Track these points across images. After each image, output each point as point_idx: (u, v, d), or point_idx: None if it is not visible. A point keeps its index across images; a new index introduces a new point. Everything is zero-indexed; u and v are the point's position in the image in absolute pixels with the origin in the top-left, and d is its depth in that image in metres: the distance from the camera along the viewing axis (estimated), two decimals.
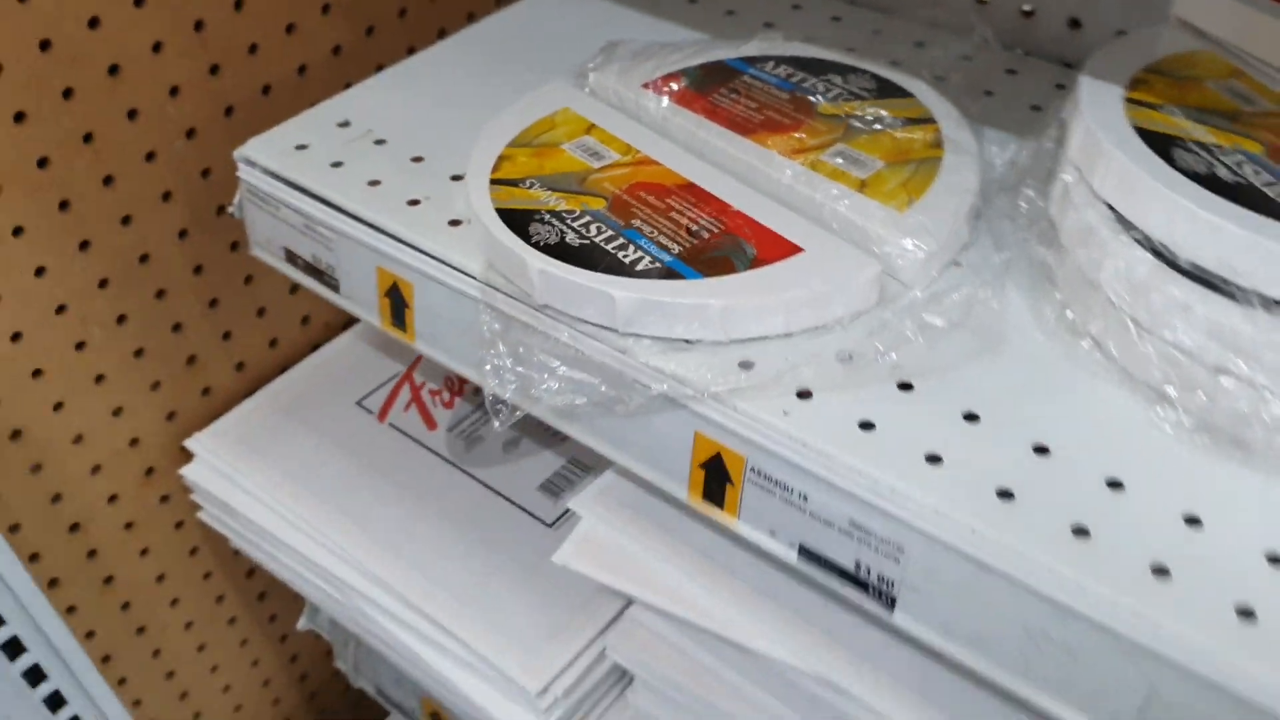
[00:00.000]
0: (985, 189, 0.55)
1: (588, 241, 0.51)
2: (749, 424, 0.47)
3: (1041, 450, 0.45)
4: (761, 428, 0.46)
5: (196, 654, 0.96)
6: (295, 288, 0.87)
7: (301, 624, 0.89)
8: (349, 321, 0.92)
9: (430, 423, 0.83)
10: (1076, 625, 0.40)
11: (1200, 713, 0.38)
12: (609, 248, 0.51)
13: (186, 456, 0.83)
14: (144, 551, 0.86)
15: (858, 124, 0.58)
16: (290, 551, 0.77)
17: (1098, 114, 0.48)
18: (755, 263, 0.50)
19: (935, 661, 0.54)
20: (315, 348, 0.90)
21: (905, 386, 0.48)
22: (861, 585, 0.46)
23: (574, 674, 0.67)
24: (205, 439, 0.82)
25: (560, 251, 0.51)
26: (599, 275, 0.49)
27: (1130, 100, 0.49)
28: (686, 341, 0.49)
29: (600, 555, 0.60)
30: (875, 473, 0.44)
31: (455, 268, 0.55)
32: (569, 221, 0.53)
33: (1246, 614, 0.39)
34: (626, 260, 0.50)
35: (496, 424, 0.53)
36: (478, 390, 0.84)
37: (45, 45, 0.64)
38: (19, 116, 0.65)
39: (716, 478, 0.49)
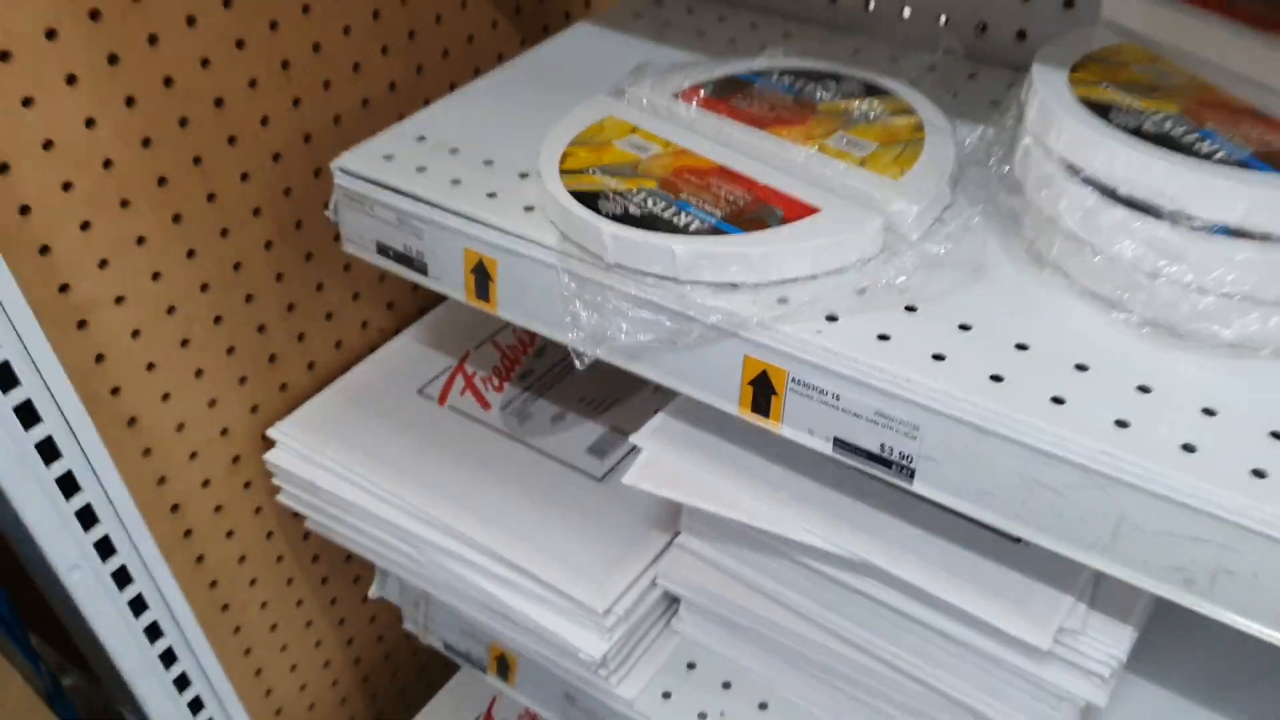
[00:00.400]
0: (960, 161, 0.67)
1: (647, 212, 0.62)
2: (789, 342, 0.57)
3: (1022, 347, 0.56)
4: (799, 345, 0.57)
5: (269, 633, 1.04)
6: (358, 295, 0.97)
7: (372, 592, 0.98)
8: (401, 326, 1.02)
9: (484, 404, 0.93)
10: (1060, 468, 0.51)
11: (1157, 525, 0.49)
12: (665, 215, 0.62)
13: (267, 445, 0.92)
14: (229, 534, 0.95)
15: (853, 116, 0.70)
16: (370, 518, 0.86)
17: (1049, 90, 0.60)
18: (783, 221, 0.61)
19: (944, 538, 0.64)
20: (373, 349, 1.00)
21: (910, 309, 0.59)
22: (886, 463, 0.57)
23: (631, 597, 0.77)
24: (286, 427, 0.92)
25: (625, 220, 0.62)
26: (661, 234, 0.60)
27: (1073, 79, 0.61)
28: (733, 286, 0.60)
29: (660, 475, 0.70)
30: (894, 369, 0.55)
31: (534, 241, 0.65)
32: (629, 198, 0.63)
33: (1189, 449, 0.50)
34: (680, 224, 0.61)
35: (578, 365, 0.63)
36: (524, 375, 0.94)
37: (169, 82, 0.75)
38: (146, 142, 0.75)
39: (763, 392, 0.59)
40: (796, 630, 0.73)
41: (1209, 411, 0.51)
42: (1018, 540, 0.64)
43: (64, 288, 0.74)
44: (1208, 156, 0.54)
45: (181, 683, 0.86)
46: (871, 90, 0.73)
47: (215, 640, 0.96)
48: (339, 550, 1.06)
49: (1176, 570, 0.49)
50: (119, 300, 0.78)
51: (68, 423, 0.70)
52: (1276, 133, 0.56)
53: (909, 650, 0.68)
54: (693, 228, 0.61)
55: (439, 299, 1.04)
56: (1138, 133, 0.56)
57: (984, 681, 0.66)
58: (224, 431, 0.90)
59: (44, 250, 0.72)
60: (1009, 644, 0.61)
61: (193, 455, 0.89)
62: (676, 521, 0.78)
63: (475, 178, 0.71)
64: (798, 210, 0.62)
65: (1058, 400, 0.52)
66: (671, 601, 0.83)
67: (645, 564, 0.78)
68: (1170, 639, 0.70)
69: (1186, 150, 0.54)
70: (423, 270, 0.72)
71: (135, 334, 0.80)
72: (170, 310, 0.82)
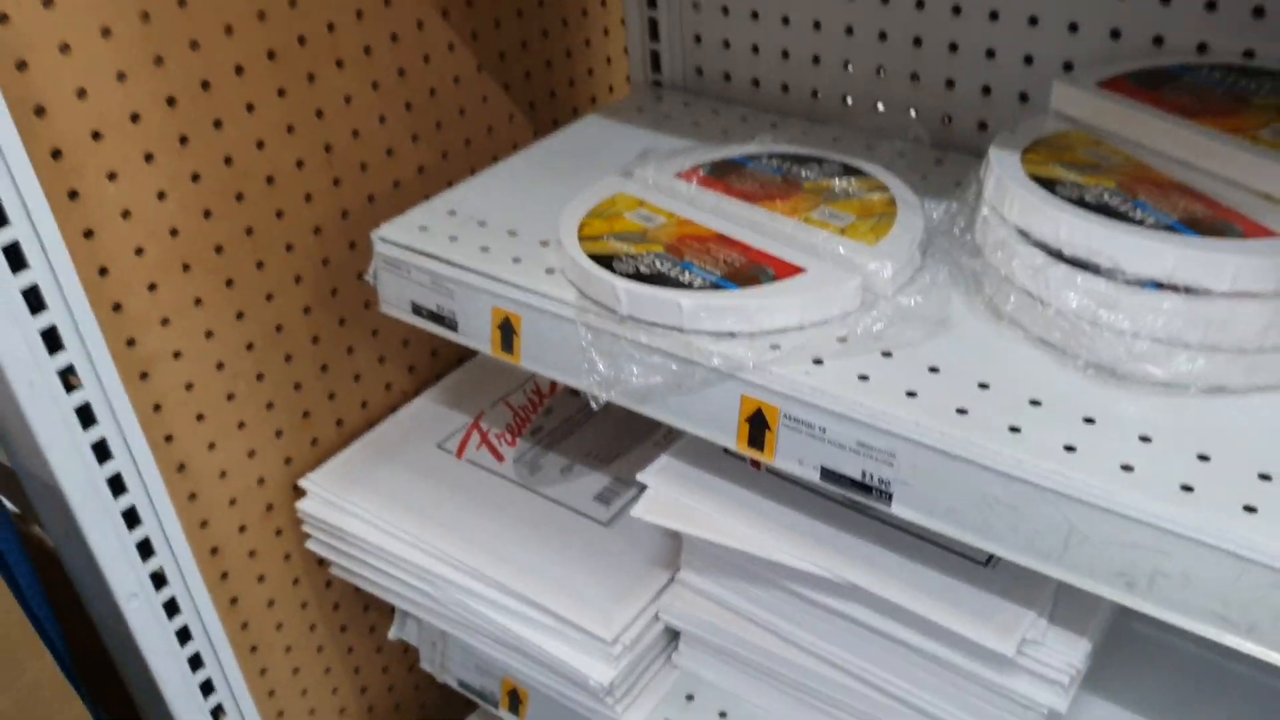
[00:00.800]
0: (928, 231, 0.74)
1: (655, 271, 0.69)
2: (781, 382, 0.64)
3: (983, 386, 0.63)
4: (790, 385, 0.64)
5: (292, 676, 1.09)
6: (384, 358, 1.03)
7: (392, 633, 1.03)
8: (422, 387, 1.08)
9: (499, 456, 0.99)
10: (1017, 487, 0.57)
11: (1102, 535, 0.55)
12: (671, 274, 0.69)
13: (298, 495, 0.98)
14: (260, 578, 1.00)
15: (834, 193, 0.77)
16: (393, 559, 0.92)
17: (1004, 168, 0.68)
18: (775, 279, 0.68)
19: (919, 562, 0.70)
20: (395, 408, 1.06)
21: (886, 354, 0.66)
22: (867, 489, 0.63)
23: (637, 628, 0.82)
24: (317, 478, 0.98)
25: (636, 278, 0.69)
26: (668, 290, 0.67)
27: (1025, 159, 0.69)
28: (731, 334, 0.67)
29: (664, 508, 0.76)
30: (872, 404, 0.61)
31: (555, 298, 0.72)
32: (640, 260, 0.71)
33: (1127, 469, 0.56)
34: (685, 281, 0.68)
35: (594, 405, 0.70)
36: (535, 430, 1.01)
37: (229, 161, 0.82)
38: (207, 213, 0.82)
39: (758, 427, 0.66)
40: (787, 657, 0.78)
41: (1145, 438, 0.58)
42: (986, 563, 0.70)
43: (131, 342, 0.80)
44: (1139, 222, 0.61)
45: (217, 714, 0.91)
46: (850, 171, 0.81)
47: (246, 679, 1.01)
48: (358, 599, 1.11)
49: (1119, 575, 0.55)
50: (176, 355, 0.84)
51: (134, 461, 0.76)
52: (1199, 203, 0.63)
53: (892, 672, 0.74)
54: (696, 285, 0.68)
55: (457, 363, 1.11)
56: (1080, 203, 0.63)
57: (962, 700, 0.71)
58: (260, 480, 0.96)
59: (116, 308, 0.78)
60: (979, 655, 0.67)
61: (232, 502, 0.94)
62: (677, 561, 0.84)
63: (502, 245, 0.78)
64: (787, 270, 0.69)
65: (1014, 429, 0.59)
66: (672, 638, 0.88)
67: (649, 598, 0.84)
68: (1128, 659, 0.76)
69: (1122, 217, 0.62)
70: (453, 327, 0.79)
71: (189, 387, 0.86)
72: (220, 366, 0.88)
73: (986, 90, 0.87)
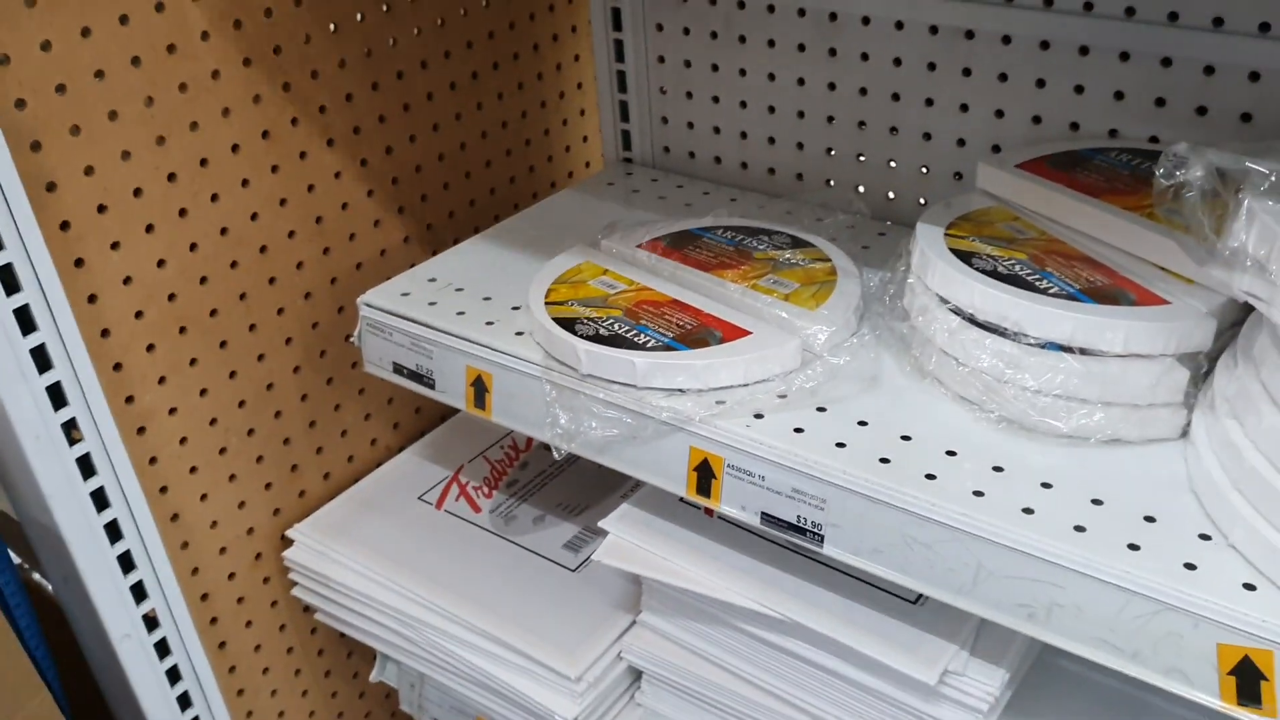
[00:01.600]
0: (866, 298, 0.81)
1: (613, 334, 0.76)
2: (726, 435, 0.70)
3: (906, 438, 0.68)
4: (733, 437, 0.70)
5: (277, 719, 1.13)
6: (369, 415, 1.09)
7: (374, 676, 1.07)
8: (405, 443, 1.14)
9: (475, 508, 1.04)
10: (931, 528, 0.63)
11: (1006, 571, 0.61)
12: (628, 336, 0.75)
13: (285, 544, 1.03)
14: (248, 624, 1.05)
15: (781, 262, 0.84)
16: (375, 604, 0.97)
17: (928, 242, 0.74)
18: (722, 341, 0.75)
19: (854, 600, 0.76)
20: (380, 463, 1.11)
21: (821, 409, 0.72)
22: (801, 531, 0.68)
23: (600, 667, 0.87)
24: (304, 528, 1.03)
25: (596, 340, 0.75)
26: (624, 350, 0.73)
27: (948, 234, 0.75)
28: (681, 391, 0.73)
29: (623, 553, 0.81)
30: (806, 455, 0.67)
31: (523, 359, 0.78)
32: (600, 323, 0.77)
33: (1029, 511, 0.62)
34: (639, 343, 0.74)
35: (556, 455, 0.76)
36: (510, 484, 1.06)
37: (224, 231, 0.89)
38: (203, 279, 0.88)
39: (705, 476, 0.72)
40: (739, 692, 0.83)
41: (1046, 484, 0.64)
42: (915, 600, 0.75)
43: (130, 399, 0.86)
44: (1044, 291, 0.68)
45: None
46: (797, 243, 0.87)
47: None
48: (342, 645, 1.15)
49: (1022, 606, 0.61)
50: (172, 411, 0.90)
51: (131, 510, 0.81)
52: (1100, 273, 0.70)
53: (832, 704, 0.79)
54: (649, 346, 0.74)
55: (439, 420, 1.16)
56: (993, 274, 0.70)
57: None
58: (250, 530, 1.01)
59: (117, 367, 0.84)
60: (906, 685, 0.72)
61: (222, 550, 0.99)
62: (638, 605, 0.89)
63: (476, 310, 0.85)
64: (734, 333, 0.75)
65: (930, 476, 0.65)
66: (635, 677, 0.92)
67: (612, 638, 0.89)
68: (1051, 692, 0.80)
69: (1029, 286, 0.68)
70: (431, 385, 0.85)
71: (183, 441, 0.92)
72: (213, 422, 0.94)
73: (924, 169, 0.94)
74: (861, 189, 0.99)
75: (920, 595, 0.75)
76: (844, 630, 0.73)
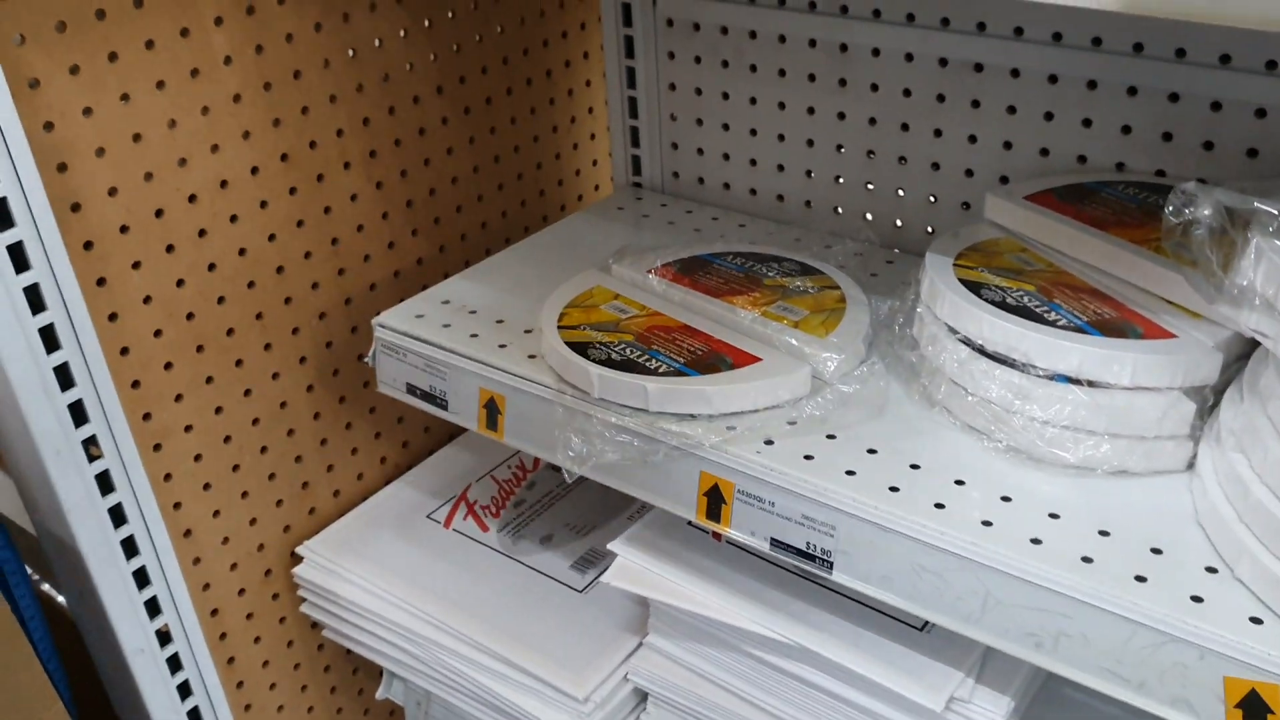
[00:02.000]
0: (874, 326, 0.81)
1: (625, 358, 0.76)
2: (736, 460, 0.71)
3: (915, 466, 0.69)
4: (744, 463, 0.70)
5: None
6: (379, 434, 1.10)
7: (380, 693, 1.08)
8: (414, 462, 1.15)
9: (483, 527, 1.05)
10: (941, 557, 0.63)
11: (1014, 600, 0.62)
12: (639, 361, 0.76)
13: (295, 561, 1.04)
14: (257, 639, 1.05)
15: (790, 290, 0.85)
16: (383, 622, 0.97)
17: (937, 272, 0.75)
18: (733, 367, 0.75)
19: (861, 626, 0.76)
20: (389, 481, 1.12)
21: (830, 436, 0.72)
22: (810, 557, 0.69)
23: (607, 688, 0.88)
24: (314, 545, 1.03)
25: (608, 364, 0.76)
26: (636, 375, 0.74)
27: (956, 264, 0.76)
28: (692, 416, 0.74)
29: (631, 575, 0.82)
30: (815, 481, 0.68)
31: (536, 381, 0.79)
32: (612, 348, 0.78)
33: (1036, 541, 0.62)
34: (651, 367, 0.75)
35: (568, 479, 0.76)
36: (518, 503, 1.07)
37: (242, 252, 0.90)
38: (220, 299, 0.89)
39: (715, 501, 0.72)
40: (744, 715, 0.83)
41: (1054, 515, 0.65)
42: (922, 628, 0.76)
43: (147, 416, 0.87)
44: (1052, 323, 0.69)
45: None
46: (806, 269, 0.88)
47: None
48: (348, 662, 1.16)
49: (1029, 635, 0.61)
50: (188, 429, 0.90)
51: (146, 526, 0.82)
52: (1107, 306, 0.71)
53: None
54: (661, 371, 0.75)
55: (447, 439, 1.17)
56: (1002, 305, 0.71)
57: None
58: (260, 547, 1.02)
59: (135, 384, 0.85)
60: (912, 711, 0.73)
61: (233, 566, 1.00)
62: (645, 627, 0.89)
63: (490, 332, 0.85)
64: (744, 359, 0.76)
65: (940, 505, 0.65)
66: (641, 698, 0.93)
67: (619, 660, 0.89)
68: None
69: (1037, 319, 0.69)
70: (443, 406, 0.86)
71: (198, 458, 0.92)
72: (227, 439, 0.94)
73: (932, 199, 0.95)
74: (870, 216, 1.00)
75: (926, 621, 0.76)
76: (851, 656, 0.74)
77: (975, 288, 0.73)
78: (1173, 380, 0.66)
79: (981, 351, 0.70)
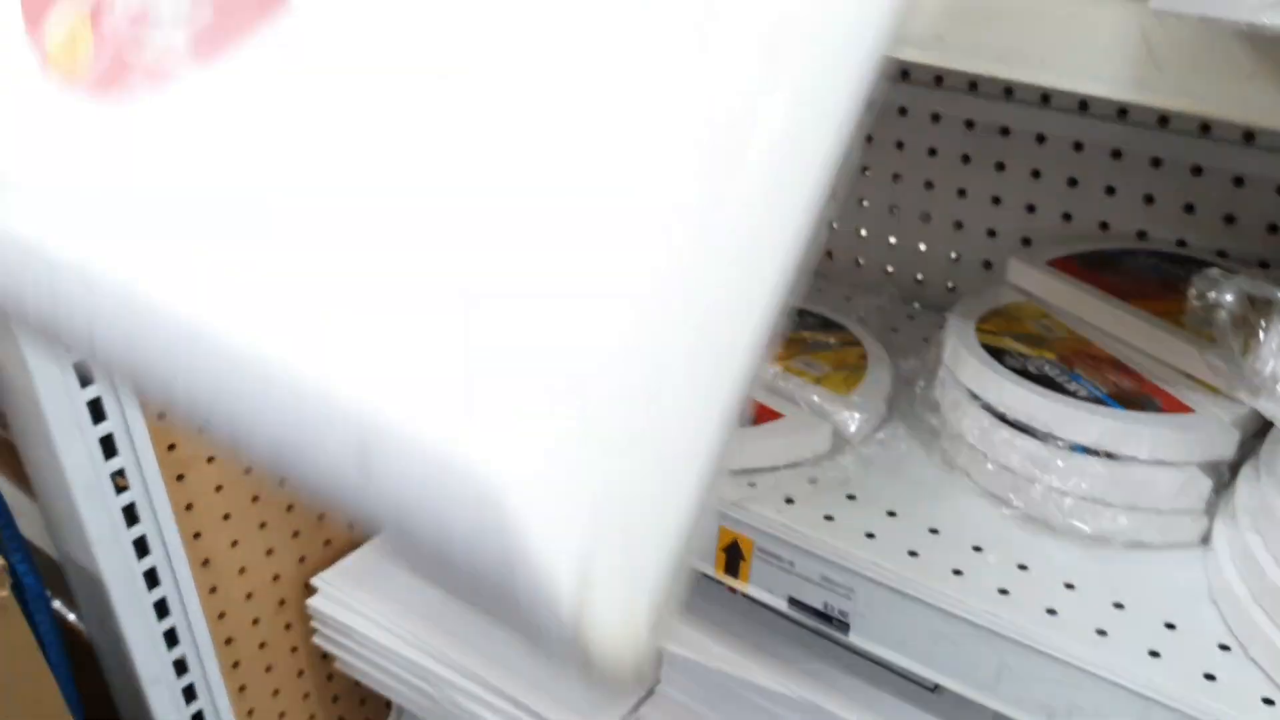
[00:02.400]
0: (895, 384, 0.83)
1: None
2: (756, 519, 0.72)
3: (934, 531, 0.70)
4: (763, 521, 0.71)
5: None
6: None
7: None
8: None
9: None
10: (957, 624, 0.64)
11: (1028, 671, 0.62)
12: None
13: (309, 592, 1.05)
14: (269, 668, 1.06)
15: (811, 344, 0.86)
16: (395, 657, 0.98)
17: (959, 336, 0.76)
18: (755, 423, 0.76)
19: (873, 685, 0.77)
20: None
21: (850, 497, 0.73)
22: (828, 618, 0.70)
23: None
24: (328, 576, 1.04)
25: None
26: None
27: (979, 328, 0.77)
28: None
29: None
30: (835, 543, 0.69)
31: None
32: None
33: (1052, 612, 0.63)
34: None
35: None
36: None
37: None
38: None
39: (734, 557, 0.73)
40: None
41: (1069, 586, 0.66)
42: (933, 690, 0.77)
43: (172, 447, 0.88)
44: (1073, 394, 0.70)
45: None
46: (828, 324, 0.89)
47: None
48: (356, 693, 1.17)
49: (1042, 707, 0.62)
50: (210, 460, 0.92)
51: (169, 557, 0.83)
52: (1127, 378, 0.72)
53: None
54: None
55: None
56: (1023, 372, 0.72)
57: None
58: (276, 577, 1.03)
59: (161, 415, 0.86)
60: None
61: (249, 596, 1.01)
62: (658, 673, 0.90)
63: None
64: (767, 415, 0.77)
65: (958, 572, 0.66)
66: None
67: (629, 707, 0.90)
68: None
69: (1058, 388, 0.70)
70: None
71: (219, 488, 0.94)
72: (247, 470, 0.96)
73: (955, 257, 0.96)
74: (890, 269, 1.01)
75: (937, 684, 0.77)
76: (864, 716, 0.74)
77: (998, 354, 0.74)
78: (1190, 455, 0.67)
79: (1003, 419, 0.71)
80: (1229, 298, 0.59)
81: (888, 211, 0.99)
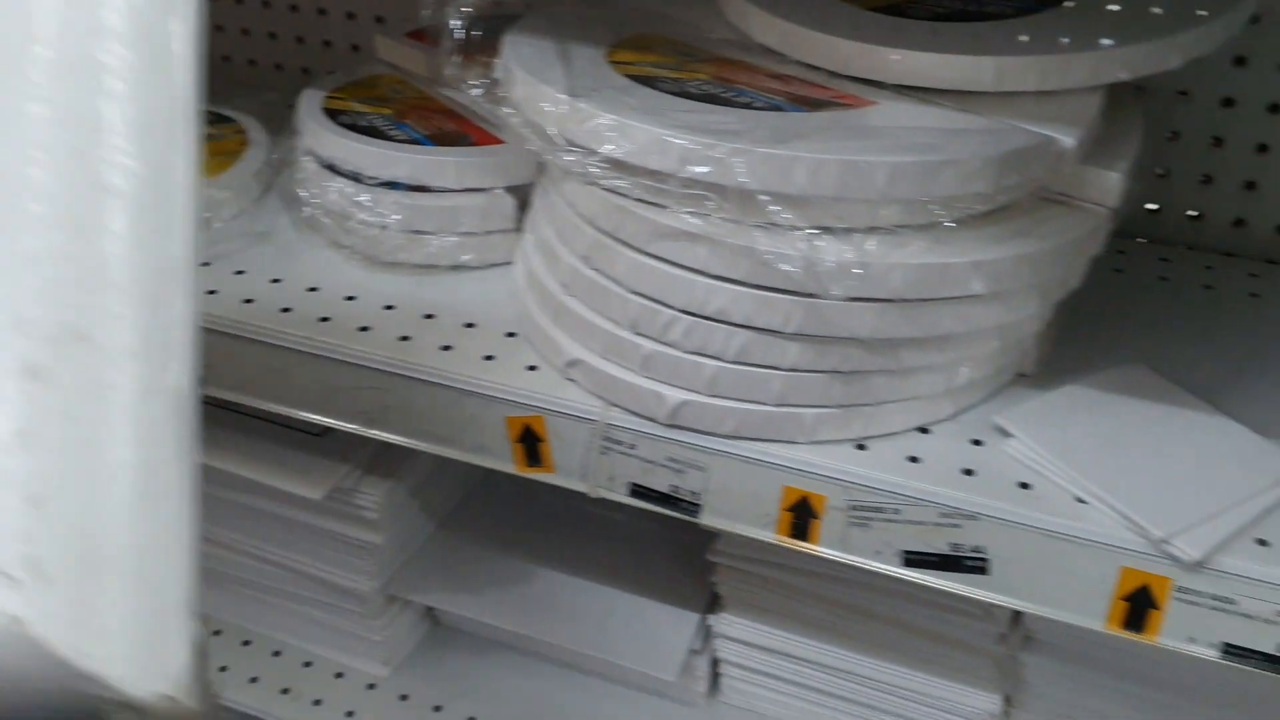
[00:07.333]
0: (271, 164, 0.86)
1: None
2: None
3: (276, 281, 0.75)
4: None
5: None
6: None
7: None
8: None
9: None
10: (285, 355, 0.70)
11: (346, 384, 0.69)
12: None
13: None
14: None
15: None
16: None
17: (308, 105, 0.80)
18: None
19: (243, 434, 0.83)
20: None
21: (240, 272, 0.77)
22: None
23: None
24: None
25: None
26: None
27: (330, 97, 0.82)
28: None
29: None
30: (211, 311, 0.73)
31: None
32: None
33: (365, 329, 0.70)
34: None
35: None
36: None
37: None
38: None
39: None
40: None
41: (389, 307, 0.73)
42: (319, 434, 0.83)
43: None
44: (393, 139, 0.76)
45: None
46: (220, 118, 0.91)
47: None
48: None
49: (362, 413, 0.69)
50: None
51: None
52: (453, 122, 0.79)
53: None
54: None
55: None
56: (352, 127, 0.77)
57: None
58: None
59: None
60: (297, 504, 0.80)
61: None
62: None
63: None
64: None
65: (286, 310, 0.72)
66: None
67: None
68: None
69: (381, 136, 0.76)
70: None
71: None
72: None
73: (326, 43, 1.01)
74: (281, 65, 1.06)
75: (325, 429, 0.83)
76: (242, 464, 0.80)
77: (336, 115, 0.79)
78: (494, 181, 0.75)
79: (332, 169, 0.76)
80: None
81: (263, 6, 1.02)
